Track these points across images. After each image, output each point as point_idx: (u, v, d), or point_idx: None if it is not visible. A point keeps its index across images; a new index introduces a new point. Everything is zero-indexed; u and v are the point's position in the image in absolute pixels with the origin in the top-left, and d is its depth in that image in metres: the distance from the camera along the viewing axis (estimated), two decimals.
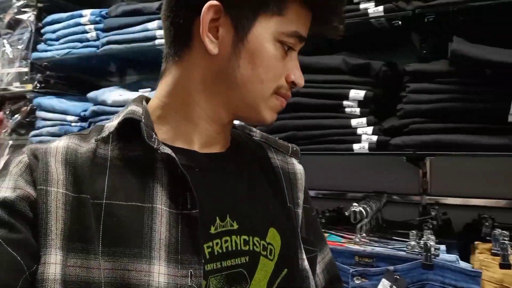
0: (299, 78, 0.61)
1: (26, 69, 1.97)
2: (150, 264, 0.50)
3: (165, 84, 0.62)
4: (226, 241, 0.56)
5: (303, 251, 0.66)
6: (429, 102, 1.16)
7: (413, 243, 1.15)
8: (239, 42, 0.57)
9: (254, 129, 0.75)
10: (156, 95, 0.63)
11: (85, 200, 0.51)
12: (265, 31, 0.56)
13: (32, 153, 0.54)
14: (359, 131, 1.27)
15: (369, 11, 1.26)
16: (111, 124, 0.60)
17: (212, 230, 0.56)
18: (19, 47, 1.99)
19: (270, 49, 0.57)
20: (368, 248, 1.20)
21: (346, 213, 1.24)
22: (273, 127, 1.34)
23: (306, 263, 0.65)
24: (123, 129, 0.58)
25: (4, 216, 0.48)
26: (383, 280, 1.09)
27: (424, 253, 1.08)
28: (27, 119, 2.00)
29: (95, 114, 1.75)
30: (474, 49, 1.08)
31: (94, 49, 1.77)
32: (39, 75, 1.98)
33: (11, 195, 0.49)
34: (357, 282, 1.14)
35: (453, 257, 1.10)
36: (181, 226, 0.53)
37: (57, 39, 1.86)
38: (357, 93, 1.26)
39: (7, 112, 2.02)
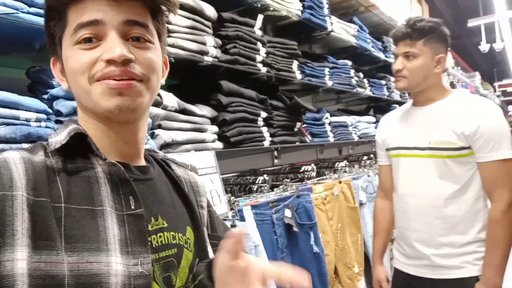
0: (108, 53, 0.64)
1: None
2: (108, 256, 0.59)
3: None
4: (160, 236, 0.69)
5: (209, 244, 0.80)
6: None
7: None
8: (64, 70, 0.70)
9: (157, 150, 0.87)
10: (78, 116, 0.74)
11: (46, 203, 0.58)
12: (66, 47, 0.67)
13: None
14: None
15: None
16: (57, 139, 0.67)
17: (150, 228, 0.68)
18: None
19: (70, 55, 0.66)
20: None
21: None
22: None
23: (212, 253, 0.79)
24: (66, 144, 0.66)
25: None
26: None
27: None
28: None
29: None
30: None
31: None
32: None
33: None
34: None
35: None
36: (127, 224, 0.63)
37: None
38: None
39: None
